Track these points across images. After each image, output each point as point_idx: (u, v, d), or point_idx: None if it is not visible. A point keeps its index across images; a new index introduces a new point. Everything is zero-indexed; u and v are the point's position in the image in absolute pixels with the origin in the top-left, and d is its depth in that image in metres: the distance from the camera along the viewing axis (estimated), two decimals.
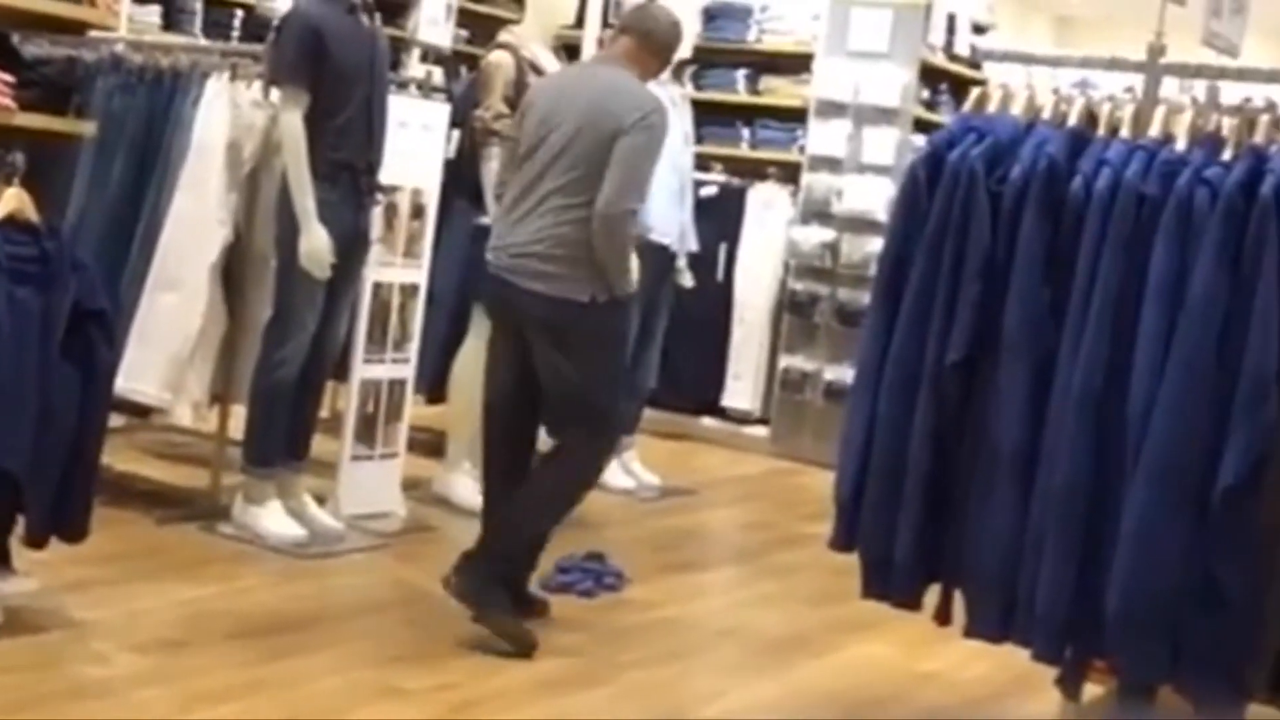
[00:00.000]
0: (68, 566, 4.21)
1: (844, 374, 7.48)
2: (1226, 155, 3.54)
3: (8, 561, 4.02)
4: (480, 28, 8.92)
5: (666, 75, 5.50)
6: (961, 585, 3.76)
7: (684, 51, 5.52)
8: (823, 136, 8.05)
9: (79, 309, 3.89)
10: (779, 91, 8.71)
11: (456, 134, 5.94)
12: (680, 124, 6.42)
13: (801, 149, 8.27)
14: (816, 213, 8.03)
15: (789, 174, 8.25)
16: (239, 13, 7.71)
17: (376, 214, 5.29)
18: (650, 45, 4.60)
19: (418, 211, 5.60)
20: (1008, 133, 3.72)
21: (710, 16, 8.75)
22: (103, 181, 5.32)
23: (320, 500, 5.35)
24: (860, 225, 7.86)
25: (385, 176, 5.22)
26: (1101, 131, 3.72)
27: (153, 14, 7.27)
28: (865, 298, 5.96)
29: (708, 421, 8.28)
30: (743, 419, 8.24)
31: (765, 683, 4.43)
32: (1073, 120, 3.74)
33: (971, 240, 3.65)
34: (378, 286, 5.48)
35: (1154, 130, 3.66)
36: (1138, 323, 3.46)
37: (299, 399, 5.15)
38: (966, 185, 3.66)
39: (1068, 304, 3.56)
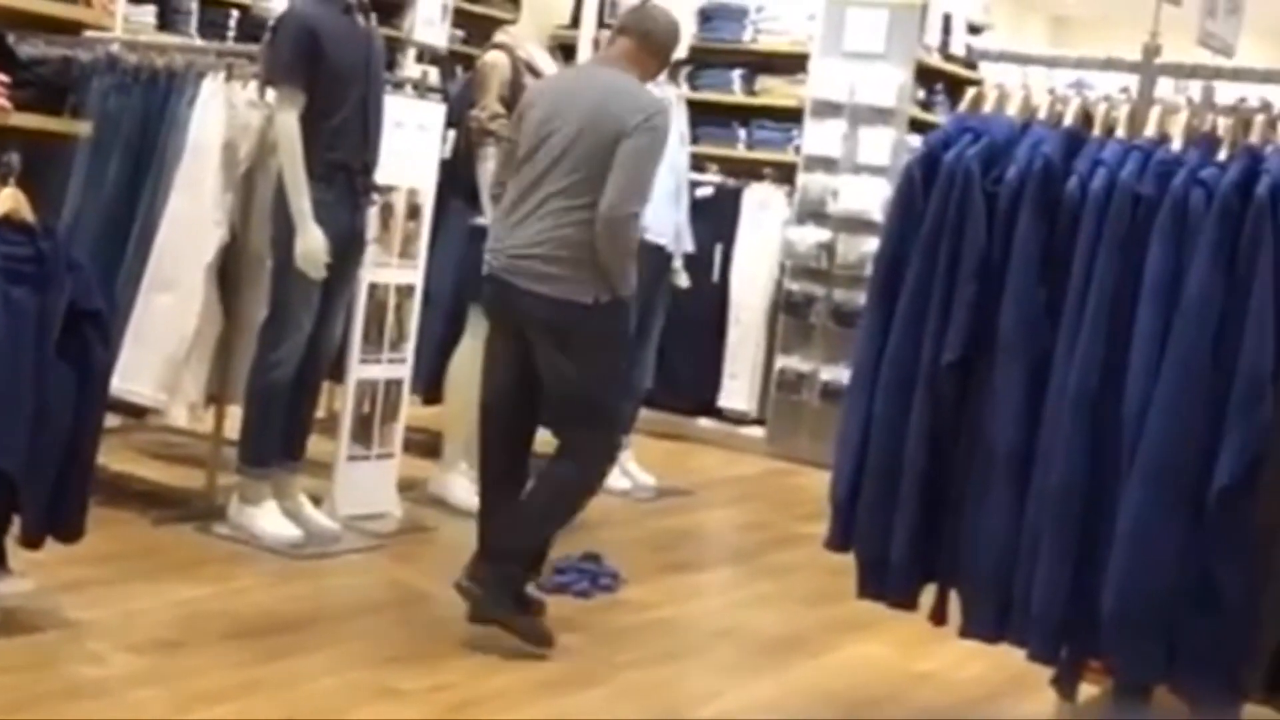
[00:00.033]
0: (63, 567, 4.21)
1: (840, 374, 7.49)
2: (1222, 155, 3.54)
3: (3, 562, 4.02)
4: (476, 28, 8.92)
5: (663, 76, 5.50)
6: (957, 585, 3.76)
7: (680, 52, 5.52)
8: (818, 137, 8.06)
9: (74, 309, 3.89)
10: (774, 92, 8.72)
11: (452, 134, 5.94)
12: (676, 124, 6.42)
13: (797, 149, 8.27)
14: (812, 213, 8.04)
15: (784, 174, 8.25)
16: (234, 13, 7.71)
17: (372, 214, 5.29)
18: (649, 46, 4.59)
19: (413, 212, 5.60)
20: (1003, 133, 3.72)
21: (706, 17, 8.76)
22: (98, 181, 5.31)
23: (316, 501, 5.35)
24: (856, 225, 7.86)
25: (381, 177, 5.22)
26: (1097, 132, 3.72)
27: (148, 14, 7.26)
28: (861, 298, 5.95)
29: (704, 422, 8.28)
30: (739, 419, 8.24)
31: (761, 683, 4.44)
32: (1068, 120, 3.75)
33: (967, 240, 3.65)
34: (374, 287, 5.48)
35: (1149, 130, 3.66)
36: (1133, 323, 3.46)
37: (295, 399, 5.15)
38: (962, 185, 3.66)
39: (1063, 304, 3.56)
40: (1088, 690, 3.85)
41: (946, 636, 3.92)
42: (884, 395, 3.77)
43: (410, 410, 5.84)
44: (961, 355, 3.65)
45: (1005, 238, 3.63)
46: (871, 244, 6.85)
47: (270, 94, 5.10)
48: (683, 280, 6.77)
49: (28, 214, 3.89)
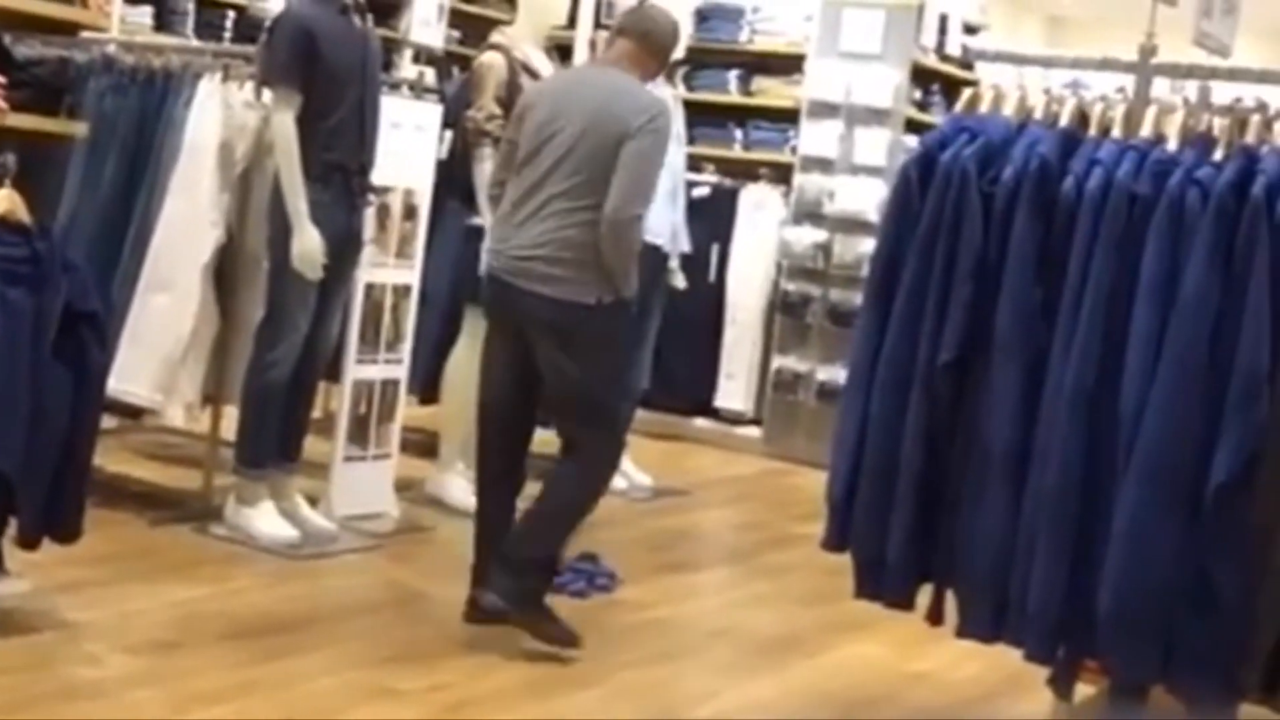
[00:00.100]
0: (60, 568, 4.21)
1: (836, 374, 7.48)
2: (1218, 155, 3.54)
3: (0, 563, 4.01)
4: (472, 28, 8.93)
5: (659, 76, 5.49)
6: (954, 585, 3.76)
7: (677, 52, 5.52)
8: (815, 137, 8.06)
9: (71, 310, 3.88)
10: (771, 92, 8.73)
11: (449, 135, 5.94)
12: (673, 125, 6.41)
13: (793, 150, 8.28)
14: (808, 213, 8.04)
15: (781, 175, 8.26)
16: (231, 14, 7.72)
17: (369, 215, 5.29)
18: (649, 46, 4.59)
19: (410, 212, 5.60)
20: (1000, 133, 3.72)
21: (702, 17, 8.76)
22: (94, 182, 5.31)
23: (313, 501, 5.34)
24: (852, 226, 7.87)
25: (378, 177, 5.22)
26: (1093, 132, 3.72)
27: (144, 15, 7.26)
28: (857, 298, 5.96)
29: (700, 422, 8.28)
30: (735, 420, 8.25)
31: (758, 683, 4.44)
32: (1064, 121, 3.75)
33: (963, 240, 3.65)
34: (370, 287, 5.48)
35: (1145, 130, 3.67)
36: (1129, 323, 3.46)
37: (291, 400, 5.15)
38: (958, 186, 3.66)
39: (1060, 304, 3.56)
40: (1084, 690, 3.85)
41: (943, 636, 3.92)
42: (880, 395, 3.77)
43: (407, 410, 5.84)
44: (958, 355, 3.65)
45: (1001, 238, 3.63)
46: (868, 244, 6.85)
47: (266, 95, 5.09)
48: (679, 280, 6.76)
49: (24, 215, 3.89)
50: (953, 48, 8.44)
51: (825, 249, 7.97)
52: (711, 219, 8.00)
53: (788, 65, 8.52)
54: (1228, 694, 3.49)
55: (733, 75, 8.78)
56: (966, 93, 4.01)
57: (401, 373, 5.69)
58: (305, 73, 4.93)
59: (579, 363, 4.35)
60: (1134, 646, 3.46)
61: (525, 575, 4.35)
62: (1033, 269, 3.60)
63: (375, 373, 5.56)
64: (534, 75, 5.83)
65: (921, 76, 8.19)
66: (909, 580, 3.80)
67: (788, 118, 8.41)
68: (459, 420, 5.75)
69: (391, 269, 5.55)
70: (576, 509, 4.52)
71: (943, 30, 8.40)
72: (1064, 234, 3.56)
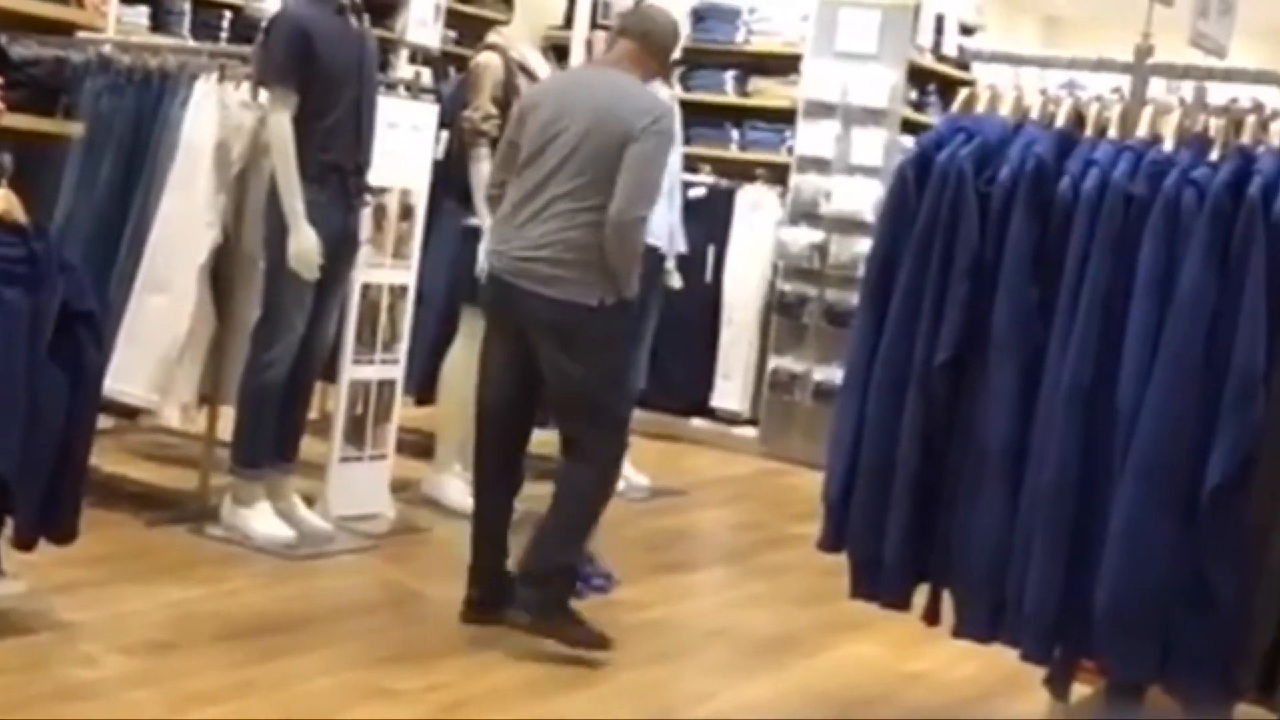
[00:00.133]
0: (56, 568, 4.21)
1: (833, 374, 7.49)
2: (1214, 155, 3.55)
3: None
4: (469, 29, 8.92)
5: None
6: (950, 585, 3.76)
7: (675, 52, 5.52)
8: (811, 137, 8.06)
9: (67, 310, 3.88)
10: (767, 93, 8.72)
11: (445, 135, 5.94)
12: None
13: (790, 150, 8.28)
14: (805, 214, 8.04)
15: (777, 175, 8.26)
16: (227, 14, 7.71)
17: (365, 215, 5.29)
18: (649, 46, 4.59)
19: (406, 212, 5.60)
20: (996, 133, 3.73)
21: (699, 17, 8.76)
22: (91, 182, 5.31)
23: (309, 502, 5.34)
24: (849, 226, 7.87)
25: (374, 177, 5.22)
26: (1089, 132, 3.73)
27: (141, 15, 7.26)
28: (854, 298, 5.97)
29: (697, 422, 8.29)
30: (732, 420, 8.25)
31: (755, 683, 4.44)
32: (1060, 121, 3.75)
33: (960, 240, 3.66)
34: (366, 287, 5.48)
35: (1141, 131, 3.67)
36: (1126, 322, 3.47)
37: (287, 400, 5.15)
38: (955, 186, 3.67)
39: (1056, 304, 3.57)
40: (1080, 690, 3.86)
41: (939, 636, 3.92)
42: (877, 395, 3.77)
43: (403, 411, 5.84)
44: (954, 355, 3.66)
45: (998, 238, 3.63)
46: (864, 244, 6.86)
47: (263, 95, 5.09)
48: (676, 281, 6.76)
49: (20, 215, 3.88)
50: (949, 48, 8.45)
51: (821, 249, 7.97)
52: (708, 219, 8.01)
53: (784, 66, 8.52)
54: (1224, 693, 3.49)
55: (729, 76, 8.78)
56: (963, 93, 4.01)
57: (398, 373, 5.68)
58: (301, 73, 4.93)
59: (581, 364, 4.35)
60: (1130, 646, 3.46)
61: (548, 585, 4.37)
62: (1029, 269, 3.60)
63: (372, 373, 5.56)
64: (531, 76, 5.82)
65: (918, 77, 8.19)
66: (905, 580, 3.80)
67: (784, 118, 8.41)
68: (456, 421, 5.74)
69: (388, 269, 5.55)
70: (589, 512, 4.52)
71: (939, 30, 8.41)
72: (1060, 234, 3.57)
